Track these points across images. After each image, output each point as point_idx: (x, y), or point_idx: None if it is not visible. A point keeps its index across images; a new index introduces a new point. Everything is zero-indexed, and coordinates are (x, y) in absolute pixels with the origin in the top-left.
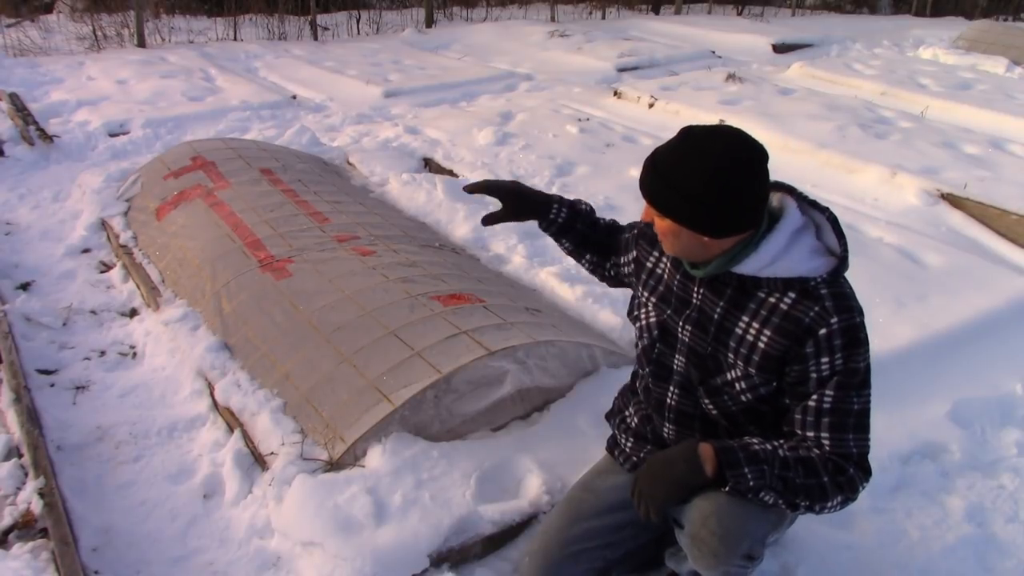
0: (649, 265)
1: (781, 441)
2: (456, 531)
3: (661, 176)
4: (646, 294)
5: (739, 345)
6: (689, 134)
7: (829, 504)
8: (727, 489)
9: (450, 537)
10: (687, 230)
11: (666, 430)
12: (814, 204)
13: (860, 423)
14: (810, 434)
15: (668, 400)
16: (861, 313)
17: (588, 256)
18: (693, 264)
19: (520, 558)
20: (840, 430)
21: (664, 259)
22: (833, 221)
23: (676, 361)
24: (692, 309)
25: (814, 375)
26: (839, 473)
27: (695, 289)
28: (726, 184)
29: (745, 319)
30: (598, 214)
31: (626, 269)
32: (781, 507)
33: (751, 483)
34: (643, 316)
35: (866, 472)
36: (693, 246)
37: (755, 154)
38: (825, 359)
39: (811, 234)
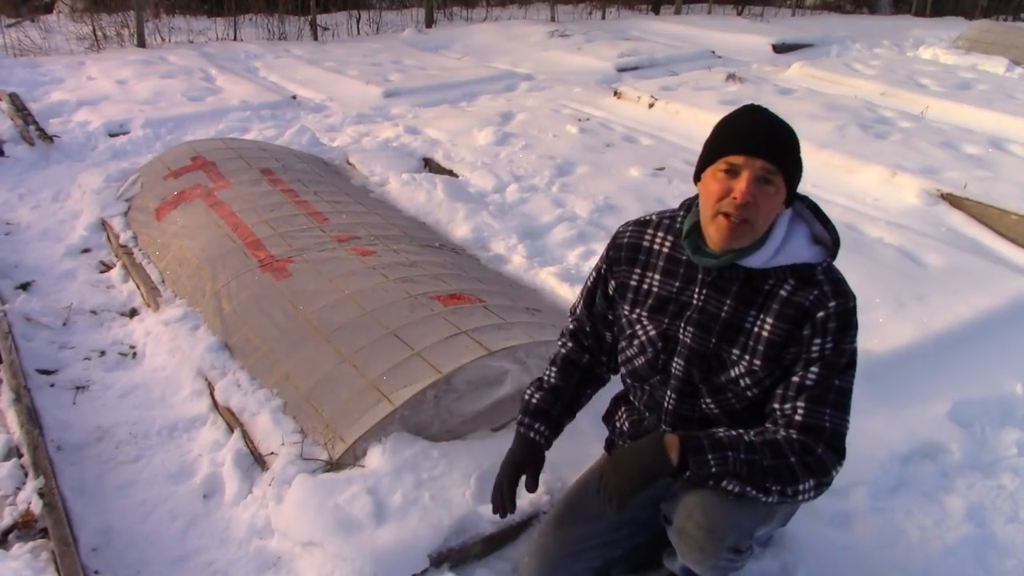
0: (634, 283)
1: (748, 429)
2: (456, 531)
3: (777, 130)
4: (637, 311)
5: (748, 339)
6: (763, 109)
7: (801, 487)
8: (687, 475)
9: (450, 537)
10: (783, 189)
11: None
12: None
13: (840, 401)
14: (787, 406)
15: (665, 404)
16: (854, 298)
17: (588, 392)
18: (708, 254)
19: (520, 558)
20: (818, 402)
21: (650, 273)
22: (814, 208)
23: (675, 365)
24: (692, 311)
25: (804, 356)
26: (807, 453)
27: (696, 291)
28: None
29: (754, 313)
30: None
31: (617, 338)
32: (750, 493)
33: (713, 468)
34: (640, 332)
35: (838, 454)
36: (770, 213)
37: None
38: (817, 340)
39: (803, 222)
